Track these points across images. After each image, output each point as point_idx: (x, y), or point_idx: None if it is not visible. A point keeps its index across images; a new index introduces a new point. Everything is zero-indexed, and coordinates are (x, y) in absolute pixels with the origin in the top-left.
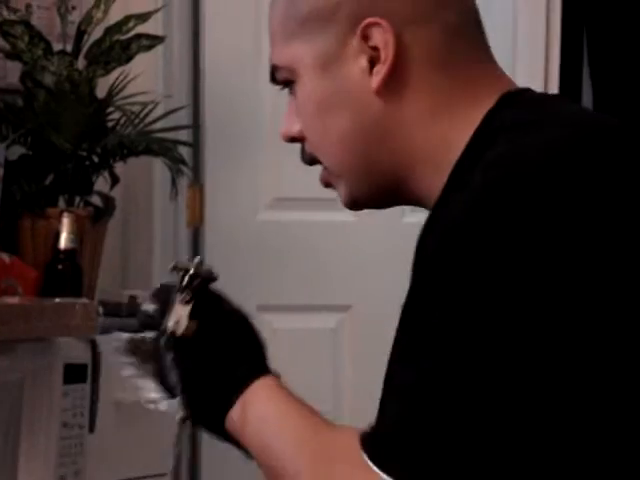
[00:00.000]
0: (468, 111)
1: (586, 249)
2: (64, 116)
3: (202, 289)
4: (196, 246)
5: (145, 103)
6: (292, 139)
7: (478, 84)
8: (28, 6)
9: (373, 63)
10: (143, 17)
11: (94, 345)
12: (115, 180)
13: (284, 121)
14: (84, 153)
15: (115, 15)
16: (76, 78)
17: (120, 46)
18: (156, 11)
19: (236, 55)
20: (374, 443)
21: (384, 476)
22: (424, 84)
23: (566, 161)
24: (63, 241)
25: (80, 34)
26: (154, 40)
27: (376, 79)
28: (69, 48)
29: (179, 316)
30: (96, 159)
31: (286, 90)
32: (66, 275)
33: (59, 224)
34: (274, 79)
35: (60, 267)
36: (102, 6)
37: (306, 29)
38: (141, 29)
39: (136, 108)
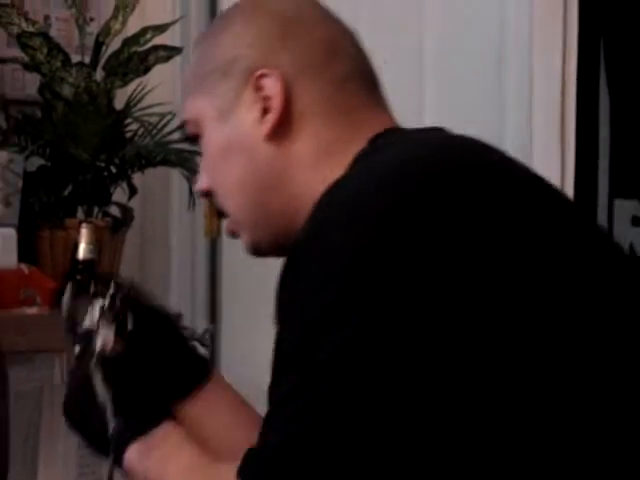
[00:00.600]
0: (346, 153)
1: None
2: (82, 127)
3: (124, 307)
4: (214, 256)
5: (163, 114)
6: (204, 193)
7: (360, 128)
8: (46, 18)
9: (265, 112)
10: (161, 28)
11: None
12: (133, 191)
13: (199, 179)
14: (102, 164)
15: (133, 27)
16: (94, 90)
17: (138, 57)
18: (173, 22)
19: None
20: (249, 464)
21: None
22: (310, 130)
23: (391, 181)
24: (82, 252)
25: (98, 46)
26: (172, 51)
27: (266, 126)
28: (87, 60)
29: (105, 336)
30: (114, 170)
31: None
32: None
33: (77, 235)
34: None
35: (79, 278)
36: (120, 18)
37: (208, 83)
38: (159, 40)
39: (154, 119)
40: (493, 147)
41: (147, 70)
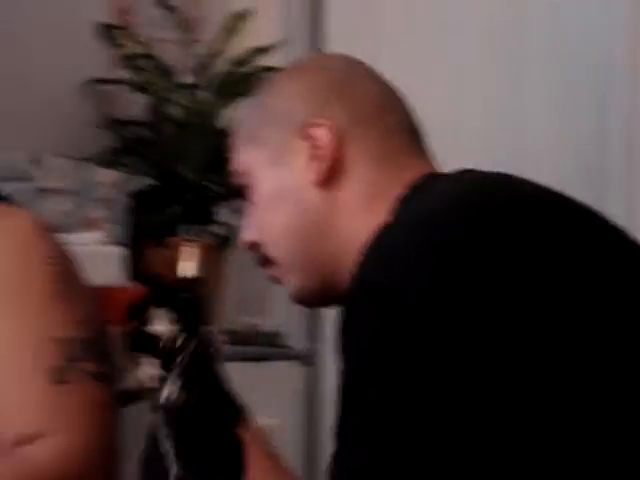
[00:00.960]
0: (388, 198)
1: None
2: (189, 148)
3: (192, 363)
4: None
5: None
6: (249, 245)
7: (403, 174)
8: (154, 39)
9: (315, 160)
10: (265, 50)
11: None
12: (237, 209)
13: (242, 231)
14: (208, 184)
15: (239, 48)
16: (201, 110)
17: (243, 79)
18: (279, 44)
19: None
20: None
21: None
22: (357, 178)
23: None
24: (185, 270)
25: (205, 67)
26: (276, 72)
27: (316, 174)
28: (193, 80)
29: (171, 390)
30: (220, 189)
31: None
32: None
33: (181, 253)
34: (236, 187)
35: (185, 296)
36: (226, 39)
37: (260, 134)
38: (263, 62)
39: None
40: (531, 182)
41: (252, 91)
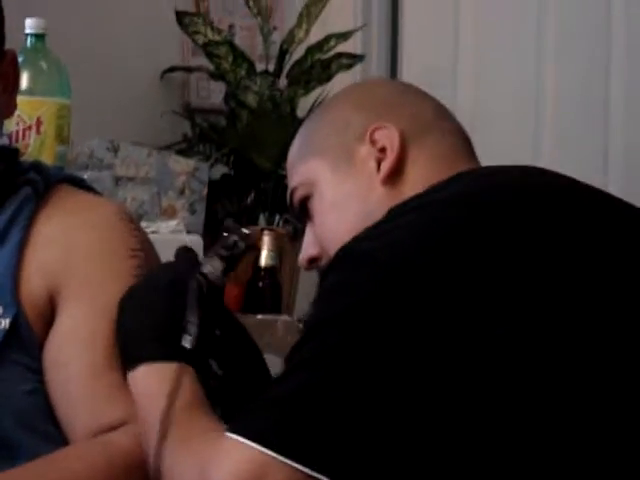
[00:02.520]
0: None
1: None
2: (265, 136)
3: (236, 257)
4: None
5: None
6: (310, 261)
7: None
8: (231, 27)
9: (380, 161)
10: (344, 36)
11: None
12: None
13: (302, 250)
14: (284, 172)
15: (315, 35)
16: (278, 98)
17: (321, 65)
18: (356, 30)
19: (434, 73)
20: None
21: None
22: (419, 175)
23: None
24: (263, 259)
25: (282, 54)
26: (354, 59)
27: (382, 173)
28: (270, 68)
29: (214, 267)
30: None
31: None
32: (266, 292)
33: (260, 242)
34: (293, 208)
35: (261, 284)
36: (304, 26)
37: (323, 143)
38: (341, 48)
39: None
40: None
41: (330, 78)
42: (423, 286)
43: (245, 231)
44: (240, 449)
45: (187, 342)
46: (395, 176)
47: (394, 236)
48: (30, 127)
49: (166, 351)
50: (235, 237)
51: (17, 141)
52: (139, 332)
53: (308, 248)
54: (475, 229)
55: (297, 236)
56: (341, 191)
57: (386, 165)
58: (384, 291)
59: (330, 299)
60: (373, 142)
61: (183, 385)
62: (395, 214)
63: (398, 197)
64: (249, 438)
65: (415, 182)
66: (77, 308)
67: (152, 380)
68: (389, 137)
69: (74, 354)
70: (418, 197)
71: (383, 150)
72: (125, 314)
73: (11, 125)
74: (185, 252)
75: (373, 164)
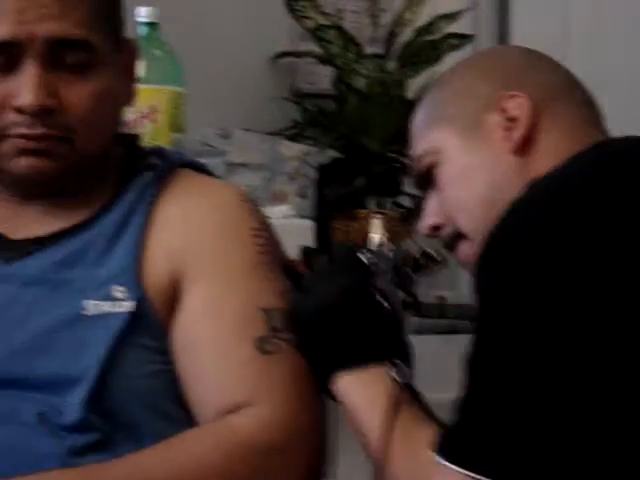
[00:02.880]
0: None
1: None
2: (375, 119)
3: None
4: None
5: None
6: (432, 229)
7: (587, 144)
8: (339, 11)
9: (510, 129)
10: (453, 17)
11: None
12: None
13: (424, 217)
14: (394, 155)
15: (424, 16)
16: (387, 81)
17: (430, 47)
18: (465, 10)
19: (545, 53)
20: (444, 444)
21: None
22: (551, 144)
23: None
24: (373, 242)
25: (391, 36)
26: (463, 39)
27: (512, 142)
28: (379, 51)
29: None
30: (406, 161)
31: None
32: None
33: (369, 225)
34: (417, 176)
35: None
36: (413, 8)
37: (449, 110)
38: (450, 29)
39: None
40: None
41: (439, 59)
42: (578, 282)
43: (432, 253)
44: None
45: (403, 375)
46: (525, 145)
47: (539, 230)
48: (145, 115)
49: (369, 357)
50: (424, 259)
51: (133, 129)
52: (336, 343)
53: (430, 216)
54: (625, 218)
55: (407, 219)
56: (469, 159)
57: (517, 134)
58: (543, 292)
59: (492, 311)
60: (503, 111)
61: (390, 389)
62: (536, 200)
63: (530, 167)
64: (468, 468)
65: (547, 152)
66: (203, 286)
67: (362, 387)
68: (519, 106)
69: (202, 332)
70: (558, 177)
71: (513, 119)
72: (314, 328)
73: (126, 113)
74: (312, 252)
75: (502, 133)
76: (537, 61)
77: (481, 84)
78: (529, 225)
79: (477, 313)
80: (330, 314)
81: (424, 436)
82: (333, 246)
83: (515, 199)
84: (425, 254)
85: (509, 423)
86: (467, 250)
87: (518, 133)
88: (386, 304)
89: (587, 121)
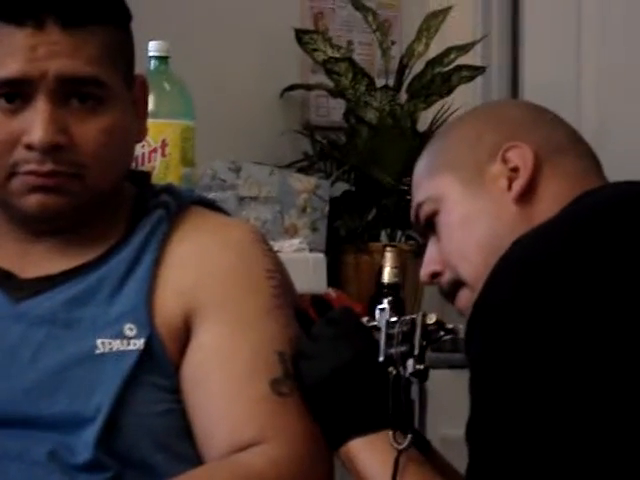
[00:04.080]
0: None
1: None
2: (386, 151)
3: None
4: None
5: None
6: (431, 276)
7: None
8: (350, 43)
9: (513, 179)
10: (464, 48)
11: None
12: None
13: (424, 265)
14: (405, 187)
15: (435, 48)
16: (398, 113)
17: (441, 78)
18: (476, 42)
19: (556, 85)
20: None
21: None
22: (553, 195)
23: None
24: (386, 275)
25: (402, 68)
26: (475, 71)
27: (514, 191)
28: (390, 83)
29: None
30: None
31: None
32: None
33: (382, 258)
34: (418, 223)
35: (388, 300)
36: (423, 39)
37: (454, 158)
38: (461, 60)
39: None
40: None
41: (450, 91)
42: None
43: (450, 327)
44: None
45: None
46: (527, 195)
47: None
48: (155, 149)
49: (375, 424)
50: (442, 333)
51: (143, 164)
52: (341, 409)
53: (430, 263)
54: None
55: (420, 252)
56: (471, 208)
57: (519, 184)
58: (538, 339)
59: (485, 364)
60: (505, 161)
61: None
62: (517, 259)
63: (531, 216)
64: None
65: (548, 200)
66: (216, 325)
67: (367, 454)
68: (522, 156)
69: (214, 370)
70: (539, 234)
71: (515, 170)
72: (324, 393)
73: (137, 148)
74: (322, 304)
75: (504, 183)
76: (542, 115)
77: (486, 134)
78: (507, 289)
79: (470, 376)
80: (334, 383)
81: None
82: (334, 310)
83: (501, 256)
84: (437, 322)
85: None
86: (466, 298)
87: (520, 182)
88: (394, 371)
89: (589, 171)
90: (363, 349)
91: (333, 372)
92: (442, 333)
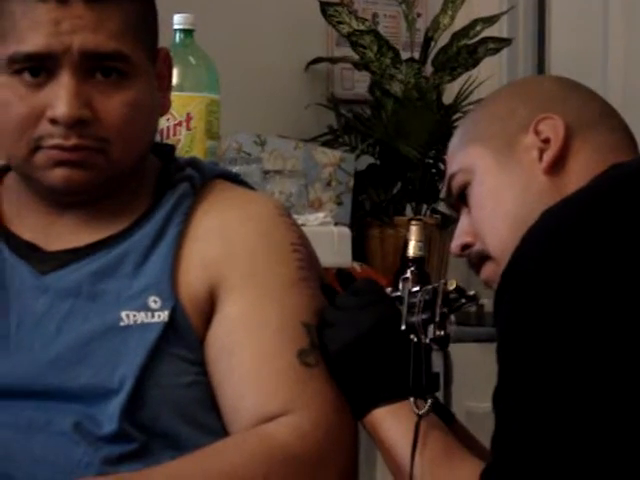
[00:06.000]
0: None
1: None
2: (411, 124)
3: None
4: None
5: None
6: (462, 248)
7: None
8: (375, 15)
9: (544, 150)
10: (490, 20)
11: (446, 354)
12: None
13: (456, 236)
14: (431, 161)
15: (460, 20)
16: (423, 86)
17: (467, 51)
18: (503, 14)
19: (583, 57)
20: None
21: None
22: (583, 167)
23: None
24: (411, 249)
25: (427, 41)
26: (501, 43)
27: (545, 163)
28: (415, 55)
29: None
30: (443, 166)
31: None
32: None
33: (407, 232)
34: (450, 194)
35: (409, 274)
36: (449, 12)
37: (485, 130)
38: (487, 32)
39: None
40: None
41: (476, 63)
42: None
43: (471, 294)
44: None
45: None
46: (558, 167)
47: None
48: (180, 123)
49: (399, 390)
50: (462, 299)
51: (168, 137)
52: (364, 379)
53: (462, 235)
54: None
55: (445, 226)
56: (502, 179)
57: (549, 154)
58: (561, 311)
59: (513, 333)
60: (537, 132)
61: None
62: (545, 229)
63: (560, 188)
64: None
65: (577, 173)
66: (243, 296)
67: (391, 423)
68: (554, 128)
69: (241, 341)
70: (566, 205)
71: (547, 141)
72: (347, 361)
73: (162, 121)
74: (347, 277)
75: (535, 154)
76: (575, 89)
77: (519, 107)
78: (537, 257)
79: (497, 344)
80: (357, 350)
81: (454, 466)
82: (358, 281)
83: (531, 226)
84: (457, 289)
85: (548, 456)
86: (491, 271)
87: (551, 153)
88: (415, 338)
89: (619, 145)
90: (386, 317)
91: (356, 340)
92: (463, 301)
